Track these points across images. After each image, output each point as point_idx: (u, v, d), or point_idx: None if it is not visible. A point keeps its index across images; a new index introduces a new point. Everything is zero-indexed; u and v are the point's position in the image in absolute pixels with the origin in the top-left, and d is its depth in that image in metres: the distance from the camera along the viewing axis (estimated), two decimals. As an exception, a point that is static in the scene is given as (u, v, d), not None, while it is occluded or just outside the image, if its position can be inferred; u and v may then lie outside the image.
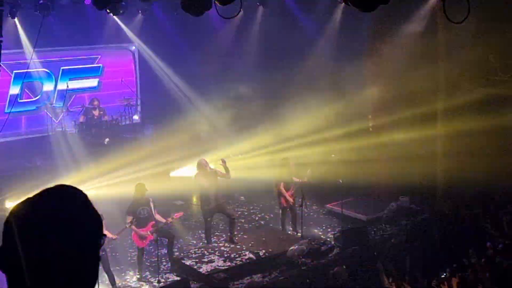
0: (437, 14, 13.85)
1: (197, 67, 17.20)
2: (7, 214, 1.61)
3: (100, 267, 10.32)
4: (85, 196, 1.66)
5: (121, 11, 13.82)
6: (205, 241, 12.93)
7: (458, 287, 9.32)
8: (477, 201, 13.58)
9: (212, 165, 12.86)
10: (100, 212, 1.70)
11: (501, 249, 11.12)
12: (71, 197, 1.63)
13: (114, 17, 15.31)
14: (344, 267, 11.15)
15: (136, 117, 16.92)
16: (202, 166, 12.50)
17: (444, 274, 10.05)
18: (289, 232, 13.53)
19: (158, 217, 11.66)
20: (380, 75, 15.27)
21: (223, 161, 12.68)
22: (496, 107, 13.81)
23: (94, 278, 1.63)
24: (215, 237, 13.25)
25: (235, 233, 12.91)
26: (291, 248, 12.01)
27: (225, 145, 16.44)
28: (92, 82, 17.13)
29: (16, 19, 14.52)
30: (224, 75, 17.37)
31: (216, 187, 12.46)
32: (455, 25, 10.88)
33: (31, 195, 1.63)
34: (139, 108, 17.07)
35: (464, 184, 14.09)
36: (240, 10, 12.50)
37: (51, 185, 1.65)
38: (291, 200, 13.27)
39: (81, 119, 15.71)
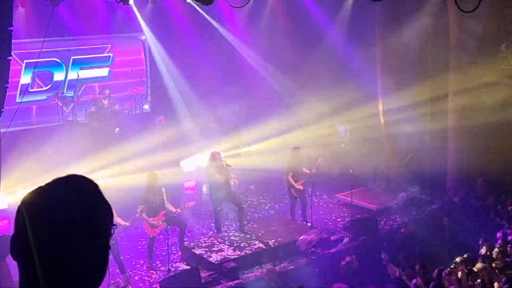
0: (448, 2, 13.73)
1: (206, 57, 17.16)
2: (19, 203, 1.62)
3: (110, 256, 10.40)
4: (96, 185, 1.66)
5: (130, 0, 13.83)
6: (215, 230, 12.97)
7: (465, 276, 9.31)
8: (488, 192, 13.52)
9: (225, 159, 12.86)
10: (111, 201, 1.70)
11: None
12: (83, 187, 1.63)
13: (125, 6, 15.28)
14: (354, 256, 11.18)
15: (146, 106, 16.92)
16: (215, 157, 12.55)
17: (454, 264, 10.04)
18: (299, 222, 13.53)
19: (169, 206, 11.72)
20: (391, 65, 15.17)
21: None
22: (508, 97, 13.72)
23: (104, 267, 1.63)
24: (225, 227, 13.28)
25: (245, 222, 12.93)
26: (301, 237, 12.02)
27: (234, 135, 16.48)
28: (103, 72, 17.15)
29: (27, 8, 14.56)
30: (231, 67, 17.29)
31: (227, 177, 12.49)
32: (467, 14, 10.85)
33: (42, 184, 1.63)
34: (149, 98, 17.08)
35: (475, 175, 14.07)
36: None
37: (62, 174, 1.66)
38: (301, 188, 13.28)
39: (92, 108, 15.75)
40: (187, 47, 17.10)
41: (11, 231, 1.63)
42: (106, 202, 1.65)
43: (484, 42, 13.16)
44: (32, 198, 1.59)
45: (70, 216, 1.55)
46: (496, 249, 10.33)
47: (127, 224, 11.03)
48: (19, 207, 1.59)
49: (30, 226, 1.54)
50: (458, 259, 10.24)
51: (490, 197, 13.36)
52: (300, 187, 13.29)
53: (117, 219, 10.62)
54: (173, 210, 11.68)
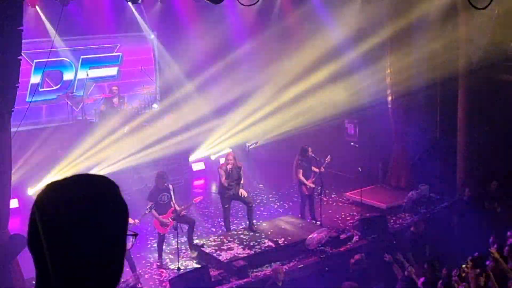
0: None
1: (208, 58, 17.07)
2: (29, 201, 1.62)
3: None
4: (112, 183, 1.62)
5: (139, 0, 13.84)
6: (224, 229, 13.00)
7: (475, 276, 9.26)
8: (498, 191, 13.45)
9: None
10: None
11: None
12: (98, 184, 1.60)
13: (133, 6, 15.32)
14: (364, 255, 11.15)
15: (155, 105, 16.96)
16: (228, 159, 12.62)
17: (464, 263, 9.99)
18: (308, 221, 13.53)
19: (174, 205, 11.78)
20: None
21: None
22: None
23: (120, 268, 1.60)
24: (234, 225, 13.30)
25: (254, 221, 12.95)
26: (310, 236, 12.01)
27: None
28: (112, 71, 17.19)
29: (36, 8, 14.63)
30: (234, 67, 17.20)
31: (237, 176, 12.56)
32: (477, 10, 10.79)
33: (57, 179, 1.60)
34: (158, 97, 17.11)
35: (486, 174, 14.01)
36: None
37: (71, 173, 1.64)
38: (313, 186, 13.29)
39: (102, 107, 15.79)
40: (193, 46, 17.02)
41: (22, 230, 1.63)
42: (122, 200, 1.62)
43: (494, 39, 13.07)
44: (45, 194, 1.57)
45: (84, 213, 1.52)
46: (507, 248, 10.26)
47: (136, 222, 11.09)
48: (34, 203, 1.57)
49: (41, 223, 1.52)
50: (469, 258, 10.20)
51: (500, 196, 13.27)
52: (312, 184, 13.29)
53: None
54: (178, 209, 11.73)
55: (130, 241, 1.67)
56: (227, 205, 12.72)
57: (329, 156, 13.44)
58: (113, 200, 1.59)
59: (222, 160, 13.98)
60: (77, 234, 1.51)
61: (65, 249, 1.50)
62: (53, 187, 1.58)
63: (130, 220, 10.71)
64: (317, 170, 13.25)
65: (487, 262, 9.92)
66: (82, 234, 1.51)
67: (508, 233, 11.49)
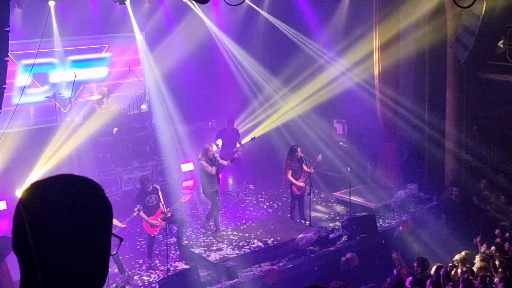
0: None
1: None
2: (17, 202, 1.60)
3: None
4: (98, 185, 1.62)
5: (127, 0, 13.81)
6: (214, 228, 13.01)
7: (463, 274, 9.32)
8: (486, 189, 13.52)
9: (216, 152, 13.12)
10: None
11: (509, 237, 11.11)
12: (82, 185, 1.60)
13: (122, 5, 15.23)
14: (355, 254, 11.20)
15: (144, 106, 16.89)
16: (206, 151, 12.70)
17: (453, 261, 10.04)
18: (297, 220, 13.55)
19: (163, 207, 11.78)
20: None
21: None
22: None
23: (105, 267, 1.59)
24: (223, 226, 13.31)
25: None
26: (300, 236, 12.04)
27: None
28: (100, 72, 17.10)
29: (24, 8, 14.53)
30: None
31: (218, 170, 12.78)
32: (464, 9, 10.84)
33: (40, 179, 1.59)
34: (147, 97, 17.05)
35: (473, 172, 14.09)
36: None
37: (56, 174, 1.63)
38: (303, 186, 13.31)
39: (90, 108, 15.70)
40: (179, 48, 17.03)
41: (10, 231, 1.61)
42: (107, 200, 1.62)
43: (482, 39, 13.13)
44: (29, 193, 1.56)
45: (67, 211, 1.52)
46: (493, 247, 10.33)
47: (123, 225, 11.08)
48: (18, 202, 1.56)
49: (27, 221, 1.50)
50: (457, 257, 10.26)
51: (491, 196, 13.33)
52: (302, 184, 13.31)
53: (113, 221, 10.62)
54: (165, 211, 11.73)
55: (115, 245, 1.66)
56: (215, 198, 12.89)
57: (320, 155, 13.50)
58: (97, 200, 1.60)
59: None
60: (62, 233, 1.50)
61: (49, 248, 1.50)
62: (37, 186, 1.58)
63: (117, 223, 10.70)
64: (308, 170, 13.27)
65: (475, 261, 9.98)
66: (67, 233, 1.51)
67: (496, 232, 11.58)
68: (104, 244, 1.59)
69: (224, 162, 13.18)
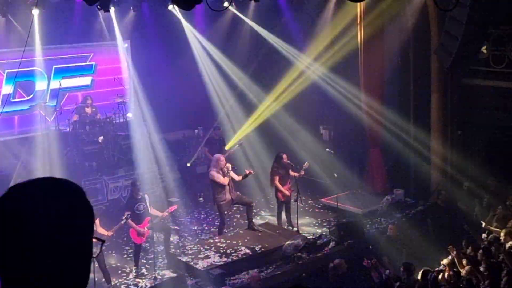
0: (428, 3, 13.82)
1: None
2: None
3: (96, 265, 10.30)
4: (78, 188, 1.59)
5: (111, 8, 13.77)
6: (217, 233, 13.11)
7: (450, 278, 9.36)
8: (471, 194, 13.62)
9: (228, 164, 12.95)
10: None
11: (493, 239, 11.17)
12: (62, 187, 1.57)
13: (107, 13, 15.19)
14: (343, 259, 11.20)
15: (129, 114, 16.85)
16: (218, 161, 12.62)
17: (440, 266, 10.09)
18: (285, 227, 13.54)
19: (153, 211, 11.73)
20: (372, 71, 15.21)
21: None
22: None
23: (86, 276, 1.57)
24: (211, 233, 13.29)
25: (254, 221, 13.24)
26: (287, 242, 12.03)
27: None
28: (85, 80, 17.05)
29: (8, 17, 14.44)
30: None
31: (229, 180, 12.66)
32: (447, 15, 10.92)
33: (20, 182, 1.57)
34: (132, 106, 17.01)
35: (459, 177, 14.18)
36: (231, 3, 12.57)
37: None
38: (288, 194, 13.30)
39: (75, 117, 15.63)
40: (168, 55, 17.05)
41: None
42: (88, 203, 1.59)
43: (465, 44, 13.25)
44: (9, 194, 1.54)
45: (47, 214, 1.49)
46: (481, 251, 10.39)
47: (110, 234, 11.00)
48: None
49: (5, 223, 1.48)
50: (444, 261, 10.31)
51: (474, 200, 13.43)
52: (287, 192, 13.31)
53: (99, 230, 10.57)
54: (159, 214, 11.71)
55: (96, 248, 1.64)
56: (225, 211, 13.05)
57: (306, 162, 13.52)
58: (78, 202, 1.58)
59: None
60: (42, 235, 1.48)
61: (29, 251, 1.48)
62: (17, 189, 1.55)
63: (104, 232, 10.63)
64: (296, 175, 13.26)
65: (462, 264, 10.04)
66: (47, 235, 1.49)
67: (483, 236, 11.65)
68: (85, 247, 1.57)
69: (236, 177, 13.04)
